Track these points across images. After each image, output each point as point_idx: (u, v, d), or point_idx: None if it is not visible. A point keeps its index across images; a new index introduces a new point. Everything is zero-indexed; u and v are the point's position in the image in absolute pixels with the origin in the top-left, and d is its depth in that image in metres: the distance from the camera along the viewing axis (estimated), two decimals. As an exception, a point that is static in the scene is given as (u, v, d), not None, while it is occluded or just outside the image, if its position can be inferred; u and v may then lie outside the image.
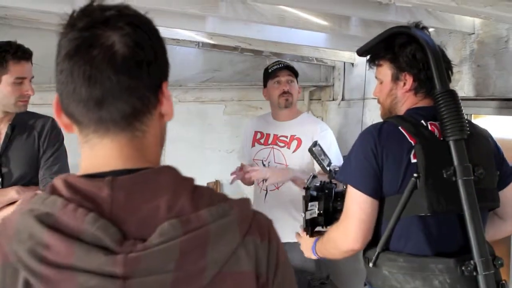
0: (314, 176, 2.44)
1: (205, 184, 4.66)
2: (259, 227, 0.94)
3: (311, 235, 2.22)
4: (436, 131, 1.89)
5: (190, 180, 0.93)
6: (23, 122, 2.45)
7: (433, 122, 1.90)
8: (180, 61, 4.60)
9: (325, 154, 2.47)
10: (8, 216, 0.88)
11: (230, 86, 4.67)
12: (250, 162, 3.48)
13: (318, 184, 2.25)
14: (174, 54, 4.59)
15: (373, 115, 3.75)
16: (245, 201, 0.95)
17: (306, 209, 2.18)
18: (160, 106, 0.94)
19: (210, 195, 0.92)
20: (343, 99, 4.44)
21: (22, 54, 2.34)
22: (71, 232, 0.81)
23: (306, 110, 4.67)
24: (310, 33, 3.25)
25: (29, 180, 2.42)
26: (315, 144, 2.47)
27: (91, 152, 0.91)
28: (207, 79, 4.68)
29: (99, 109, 0.87)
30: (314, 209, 2.16)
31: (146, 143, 0.93)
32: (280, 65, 3.31)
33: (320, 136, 3.18)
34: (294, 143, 3.33)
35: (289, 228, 3.27)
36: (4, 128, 2.42)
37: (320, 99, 4.87)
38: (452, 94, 1.89)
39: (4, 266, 0.82)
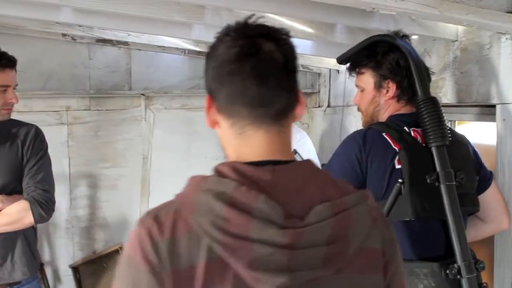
0: None
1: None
2: (382, 214, 1.14)
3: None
4: (418, 138, 1.91)
5: (327, 172, 1.11)
6: (6, 130, 2.43)
7: (416, 129, 1.93)
8: (166, 68, 4.59)
9: None
10: (183, 194, 1.03)
11: (217, 93, 4.66)
12: None
13: None
14: (159, 61, 4.59)
15: (359, 122, 3.76)
16: (370, 193, 1.13)
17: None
18: (296, 108, 1.10)
19: (345, 186, 1.11)
20: (328, 105, 4.45)
21: (6, 62, 2.32)
22: (244, 209, 0.96)
23: (292, 117, 4.68)
24: (296, 40, 3.25)
25: (12, 189, 2.39)
26: (295, 152, 2.51)
27: (245, 142, 1.08)
28: (193, 86, 4.67)
29: (262, 105, 1.05)
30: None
31: (286, 138, 1.11)
32: None
33: (298, 144, 3.22)
34: None
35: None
36: (-13, 137, 2.39)
37: (306, 106, 4.88)
38: (434, 101, 1.92)
39: (189, 233, 0.98)
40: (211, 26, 3.05)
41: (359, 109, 2.16)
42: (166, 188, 4.48)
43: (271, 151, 1.07)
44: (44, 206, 2.34)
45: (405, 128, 1.93)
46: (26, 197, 2.34)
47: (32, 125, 2.52)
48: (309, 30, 2.89)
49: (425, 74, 1.99)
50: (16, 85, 2.40)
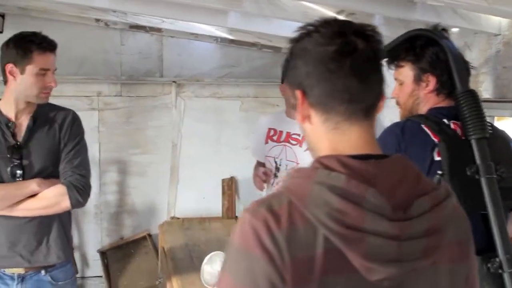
0: None
1: (220, 181, 4.67)
2: (460, 206, 1.19)
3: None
4: (458, 130, 1.89)
5: (416, 167, 1.14)
6: (44, 114, 2.43)
7: (455, 122, 1.90)
8: (198, 56, 4.60)
9: None
10: (293, 186, 1.05)
11: (247, 82, 4.65)
12: (263, 158, 3.46)
13: None
14: (191, 49, 4.59)
15: (393, 115, 3.71)
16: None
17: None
18: (380, 101, 1.13)
19: (428, 179, 1.14)
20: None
21: (47, 45, 2.33)
22: (357, 201, 1.00)
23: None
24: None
25: (49, 173, 2.39)
26: None
27: (340, 138, 1.11)
28: (224, 75, 4.66)
29: (359, 101, 1.09)
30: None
31: (373, 132, 1.14)
32: None
33: None
34: None
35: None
36: (25, 120, 2.39)
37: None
38: (473, 94, 1.90)
39: (305, 224, 1.00)
40: (247, 14, 3.03)
41: (397, 102, 2.13)
42: (195, 176, 4.55)
43: (365, 146, 1.11)
44: (81, 191, 2.34)
45: (445, 120, 1.90)
46: (63, 181, 2.35)
47: (70, 110, 2.52)
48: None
49: (463, 67, 1.95)
50: (55, 69, 2.41)
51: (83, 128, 2.52)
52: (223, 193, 4.64)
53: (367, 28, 1.10)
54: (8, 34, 2.44)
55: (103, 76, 4.38)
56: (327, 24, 1.09)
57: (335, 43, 1.06)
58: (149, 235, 4.58)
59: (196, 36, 4.35)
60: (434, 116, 1.92)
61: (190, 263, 3.05)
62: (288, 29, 3.17)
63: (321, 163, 1.06)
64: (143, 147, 4.59)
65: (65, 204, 2.33)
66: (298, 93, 1.12)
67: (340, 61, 1.06)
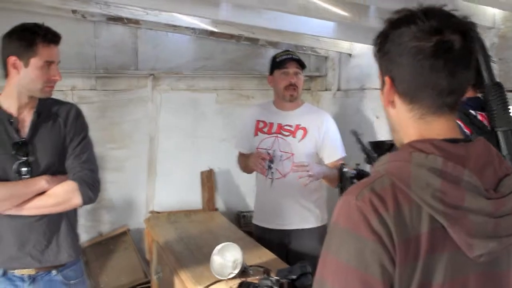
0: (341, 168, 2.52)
1: (198, 173, 4.65)
2: None
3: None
4: (485, 121, 1.93)
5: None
6: (47, 109, 2.36)
7: (481, 113, 1.95)
8: (173, 49, 4.54)
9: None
10: (392, 169, 1.10)
11: (223, 75, 4.64)
12: (252, 151, 3.46)
13: (354, 173, 2.28)
14: (166, 41, 4.53)
15: (374, 105, 3.79)
16: None
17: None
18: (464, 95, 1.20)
19: (507, 161, 1.28)
20: (339, 89, 4.47)
21: (52, 37, 2.27)
22: (455, 181, 1.06)
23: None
24: (323, 23, 3.25)
25: (55, 170, 2.32)
26: (356, 133, 2.51)
27: (426, 126, 1.16)
28: (199, 67, 4.63)
29: (447, 96, 1.14)
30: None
31: (455, 120, 1.20)
32: (289, 56, 3.32)
33: (332, 127, 3.26)
34: (300, 132, 3.34)
35: (296, 215, 3.31)
36: (28, 115, 2.32)
37: (309, 89, 4.87)
38: (501, 86, 1.95)
39: (410, 205, 1.06)
40: (239, 7, 3.02)
41: None
42: (173, 169, 4.51)
43: (450, 132, 1.17)
44: (92, 187, 2.29)
45: (471, 111, 1.95)
46: (73, 177, 2.29)
47: (72, 104, 2.46)
48: (343, 13, 2.88)
49: (490, 60, 2.01)
50: (59, 61, 2.34)
51: (87, 122, 2.47)
52: (203, 185, 4.61)
53: (466, 25, 1.13)
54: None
55: (78, 70, 4.27)
56: (427, 16, 1.11)
57: (432, 40, 1.09)
58: (129, 231, 4.51)
59: (175, 28, 4.29)
60: (461, 107, 1.96)
61: (191, 255, 3.03)
62: (281, 22, 3.20)
63: (415, 147, 1.12)
64: (120, 142, 4.50)
65: (76, 200, 2.27)
66: (387, 80, 1.17)
67: (435, 58, 1.10)
